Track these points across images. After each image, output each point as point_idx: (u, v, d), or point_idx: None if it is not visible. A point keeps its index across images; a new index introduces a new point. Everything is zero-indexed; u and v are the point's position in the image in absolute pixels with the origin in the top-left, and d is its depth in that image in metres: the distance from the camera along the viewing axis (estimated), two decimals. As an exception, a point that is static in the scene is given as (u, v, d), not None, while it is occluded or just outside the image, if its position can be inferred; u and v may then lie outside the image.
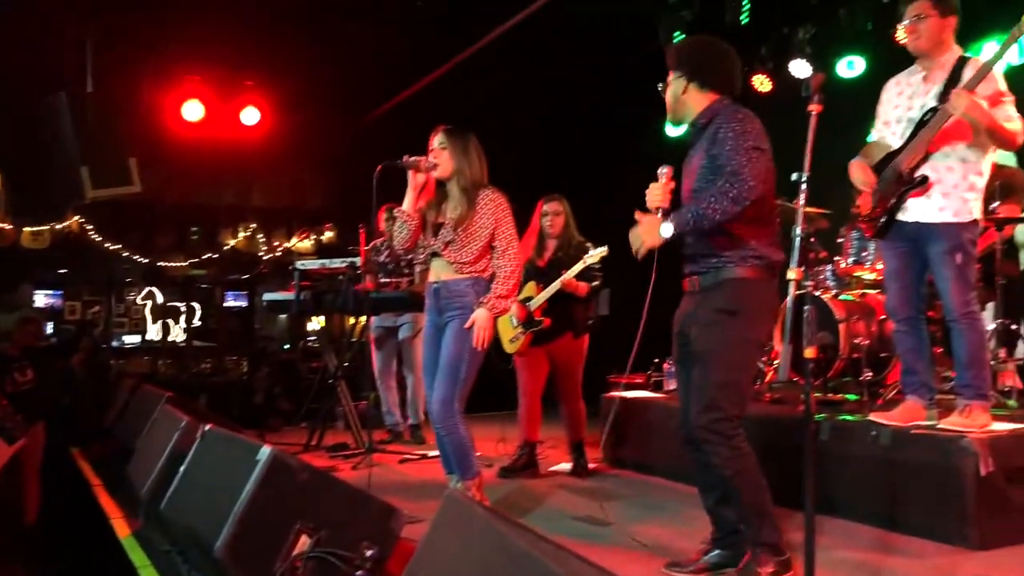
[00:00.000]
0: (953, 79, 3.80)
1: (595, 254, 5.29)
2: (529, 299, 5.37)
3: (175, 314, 10.03)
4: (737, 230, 3.13)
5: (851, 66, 7.03)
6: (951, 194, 3.80)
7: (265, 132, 9.02)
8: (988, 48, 6.11)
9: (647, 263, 3.32)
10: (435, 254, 4.18)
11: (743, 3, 6.39)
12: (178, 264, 9.87)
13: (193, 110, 8.69)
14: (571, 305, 5.41)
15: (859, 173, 4.04)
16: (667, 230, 3.12)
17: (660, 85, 3.37)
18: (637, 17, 7.44)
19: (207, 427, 3.46)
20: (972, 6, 6.00)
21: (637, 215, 3.23)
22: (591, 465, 5.58)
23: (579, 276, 5.32)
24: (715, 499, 3.31)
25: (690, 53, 3.32)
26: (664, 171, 3.27)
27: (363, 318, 6.36)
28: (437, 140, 4.16)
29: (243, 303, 10.28)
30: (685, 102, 3.29)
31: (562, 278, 5.28)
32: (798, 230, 2.77)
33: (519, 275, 4.15)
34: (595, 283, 5.43)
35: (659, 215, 3.18)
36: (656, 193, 3.22)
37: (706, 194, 3.06)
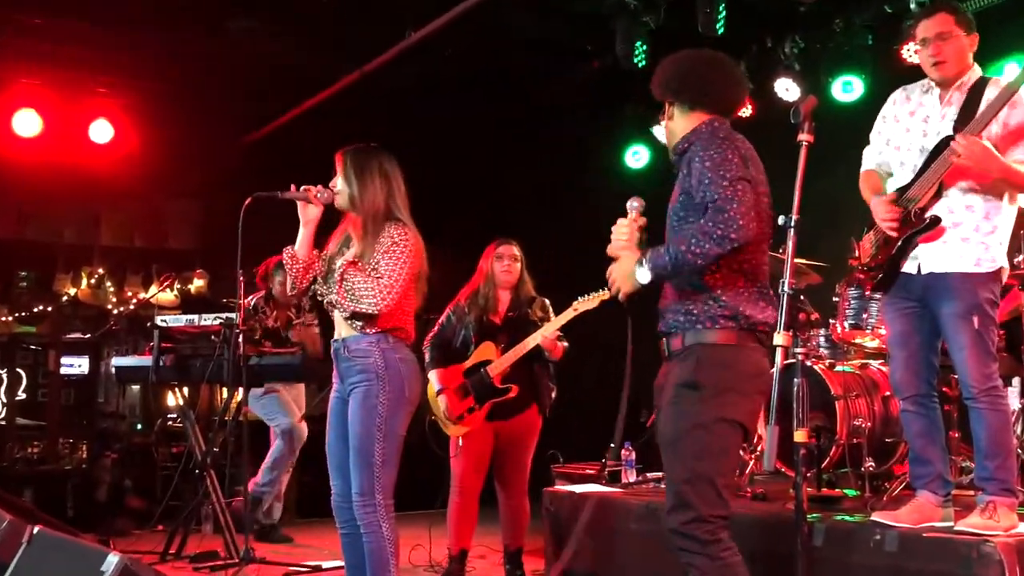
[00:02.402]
0: (971, 103, 3.95)
1: (590, 298, 5.30)
2: (486, 363, 5.36)
3: (-7, 383, 9.73)
4: (707, 280, 3.17)
5: (847, 88, 7.24)
6: (970, 239, 3.92)
7: (120, 152, 8.91)
8: (1010, 69, 6.38)
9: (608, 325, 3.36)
10: (334, 305, 4.21)
11: (718, 9, 6.59)
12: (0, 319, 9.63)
13: (27, 122, 8.54)
14: (538, 370, 5.44)
15: (885, 210, 4.06)
16: (643, 275, 3.16)
17: (661, 117, 3.46)
18: (590, 23, 7.60)
19: (36, 529, 3.36)
20: (985, 20, 6.32)
21: (612, 252, 3.28)
22: (531, 579, 5.56)
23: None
24: None
25: (670, 70, 3.39)
26: (635, 205, 3.33)
27: (239, 392, 6.27)
28: (338, 166, 4.26)
29: (84, 370, 10.03)
30: (671, 129, 3.38)
31: (543, 330, 5.32)
32: (786, 285, 2.83)
33: (381, 309, 4.06)
34: (565, 344, 5.46)
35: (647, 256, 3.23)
36: (623, 232, 3.28)
37: (687, 232, 3.10)
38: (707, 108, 3.32)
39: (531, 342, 5.32)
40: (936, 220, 3.94)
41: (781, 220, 2.92)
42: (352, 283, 4.07)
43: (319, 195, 4.20)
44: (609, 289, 5.14)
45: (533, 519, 5.63)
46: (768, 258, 3.33)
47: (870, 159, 4.34)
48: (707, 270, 3.14)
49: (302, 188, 4.22)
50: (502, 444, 5.44)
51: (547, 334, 5.32)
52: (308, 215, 4.21)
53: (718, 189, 3.06)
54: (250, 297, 6.78)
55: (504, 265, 5.52)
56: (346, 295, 4.08)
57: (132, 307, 9.78)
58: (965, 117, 3.92)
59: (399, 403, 4.08)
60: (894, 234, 4.04)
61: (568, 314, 5.34)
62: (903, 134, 4.17)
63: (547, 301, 5.63)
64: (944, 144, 3.92)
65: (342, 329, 4.20)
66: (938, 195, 3.96)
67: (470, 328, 5.48)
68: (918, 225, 3.97)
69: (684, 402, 3.13)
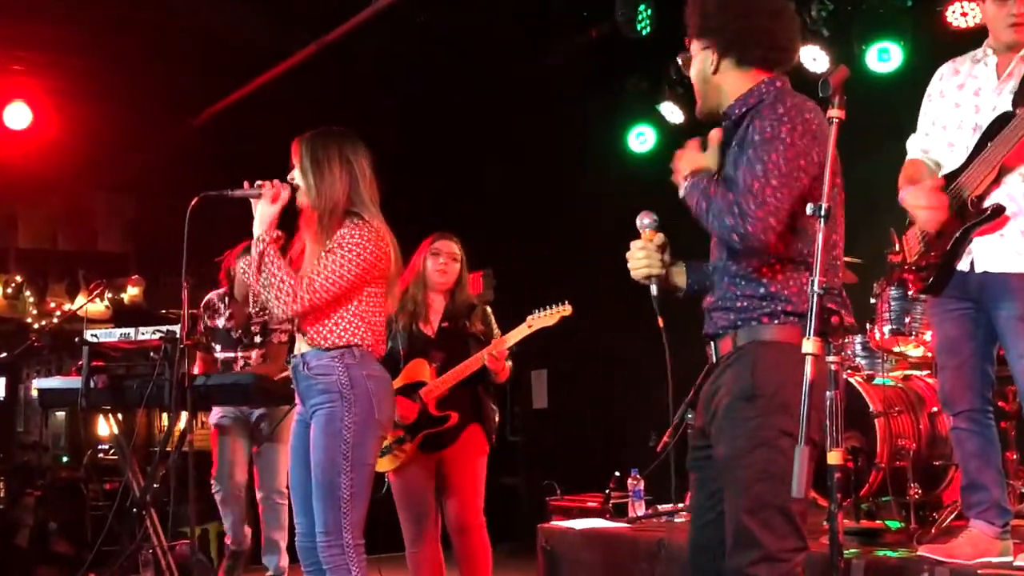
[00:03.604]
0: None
1: (548, 314, 5.25)
2: (418, 385, 5.26)
3: None
4: (766, 273, 3.12)
5: (884, 56, 7.27)
6: (1034, 232, 3.94)
7: (39, 139, 8.87)
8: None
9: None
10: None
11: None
12: (-99, 336, 9.61)
13: (-71, 106, 8.55)
14: (481, 394, 5.36)
15: (926, 196, 4.05)
16: (681, 189, 3.20)
17: (680, 57, 3.38)
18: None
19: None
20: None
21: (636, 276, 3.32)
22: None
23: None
24: None
25: (723, 13, 3.25)
26: (646, 223, 3.32)
27: (183, 417, 6.26)
28: (294, 155, 4.28)
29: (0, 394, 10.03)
30: (717, 85, 3.27)
31: (495, 347, 5.19)
32: (815, 284, 2.84)
33: (294, 311, 4.06)
34: (509, 363, 5.37)
35: (652, 286, 3.27)
36: (641, 256, 3.28)
37: (718, 199, 3.06)
38: (765, 64, 3.23)
39: (475, 362, 5.20)
40: (999, 209, 3.94)
41: (809, 209, 2.91)
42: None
43: (273, 194, 4.20)
44: (562, 308, 5.20)
45: (526, 559, 5.61)
46: (842, 252, 3.26)
47: (915, 147, 4.34)
48: (766, 263, 3.10)
49: (255, 184, 4.21)
50: (449, 477, 5.28)
51: (497, 352, 5.19)
52: (264, 215, 4.19)
53: (751, 177, 3.01)
54: (211, 294, 6.76)
55: (439, 263, 5.34)
56: (263, 287, 4.06)
57: (56, 320, 9.75)
58: None
59: (367, 427, 4.08)
60: (931, 229, 4.04)
61: (521, 331, 5.25)
62: (951, 111, 4.18)
63: (488, 310, 5.50)
64: (1004, 120, 3.93)
65: (301, 344, 4.21)
66: (997, 180, 3.97)
67: (399, 339, 5.31)
68: (977, 216, 3.98)
69: (740, 415, 3.04)
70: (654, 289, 3.28)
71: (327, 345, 4.11)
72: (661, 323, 3.29)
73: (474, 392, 5.32)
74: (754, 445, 3.02)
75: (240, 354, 6.57)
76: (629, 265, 3.31)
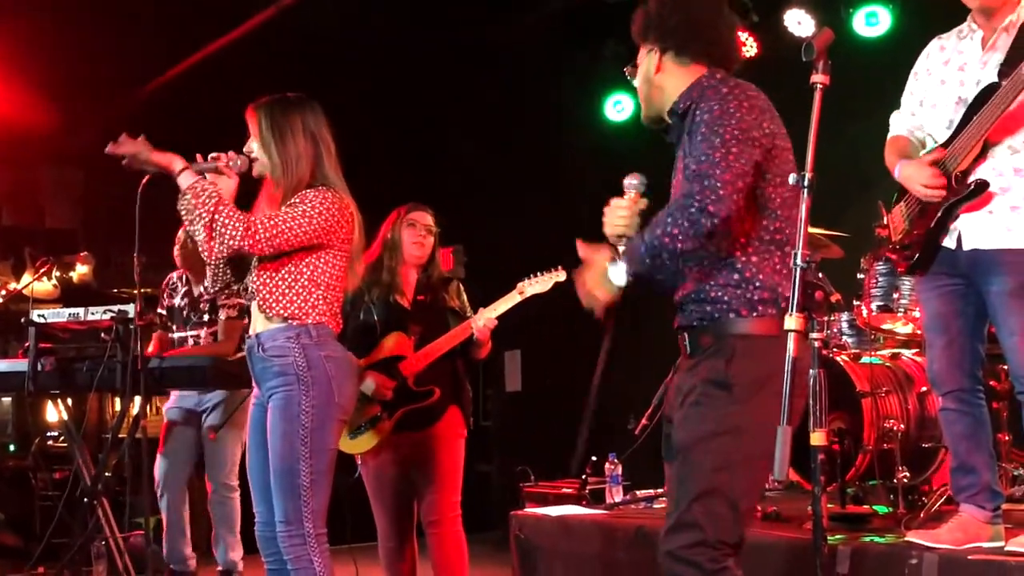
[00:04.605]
0: (1022, 44, 3.96)
1: (541, 279, 5.24)
2: (397, 359, 5.24)
3: None
4: (738, 255, 3.17)
5: (872, 20, 7.30)
6: (1021, 208, 3.95)
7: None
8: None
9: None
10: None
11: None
12: None
13: None
14: (462, 369, 5.34)
15: (920, 171, 4.07)
16: (619, 275, 3.18)
17: (628, 69, 3.51)
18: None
19: None
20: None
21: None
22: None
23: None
24: None
25: (661, 9, 3.38)
26: (634, 183, 3.35)
27: (136, 401, 6.24)
28: (251, 124, 4.26)
29: (-58, 379, 9.95)
30: (659, 86, 3.39)
31: (485, 315, 5.16)
32: (798, 257, 2.85)
33: (245, 247, 4.05)
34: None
35: (621, 246, 3.28)
36: (621, 216, 3.30)
37: (661, 214, 3.12)
38: (710, 61, 3.35)
39: (463, 332, 5.17)
40: (983, 185, 3.96)
41: (792, 179, 2.93)
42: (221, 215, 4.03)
43: (232, 164, 4.18)
44: (556, 273, 5.17)
45: (500, 548, 5.62)
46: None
47: (899, 124, 4.37)
48: (736, 244, 3.16)
49: (210, 157, 4.19)
50: (420, 461, 5.23)
51: (487, 322, 5.16)
52: (221, 190, 4.15)
53: (708, 149, 3.09)
54: (172, 273, 6.76)
55: (417, 234, 5.29)
56: (214, 231, 4.02)
57: (1, 300, 9.69)
58: (1014, 59, 3.92)
59: (327, 410, 4.07)
60: (936, 193, 4.05)
61: (512, 298, 5.25)
62: (937, 88, 4.21)
63: (460, 286, 5.49)
64: (989, 92, 3.94)
65: (256, 322, 4.20)
66: (983, 155, 3.99)
67: (373, 310, 5.26)
68: (960, 192, 3.99)
69: (711, 403, 3.11)
70: (622, 249, 3.29)
71: (279, 313, 4.08)
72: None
73: (454, 369, 5.31)
74: (719, 431, 3.09)
75: (189, 333, 6.56)
76: (606, 220, 3.34)
